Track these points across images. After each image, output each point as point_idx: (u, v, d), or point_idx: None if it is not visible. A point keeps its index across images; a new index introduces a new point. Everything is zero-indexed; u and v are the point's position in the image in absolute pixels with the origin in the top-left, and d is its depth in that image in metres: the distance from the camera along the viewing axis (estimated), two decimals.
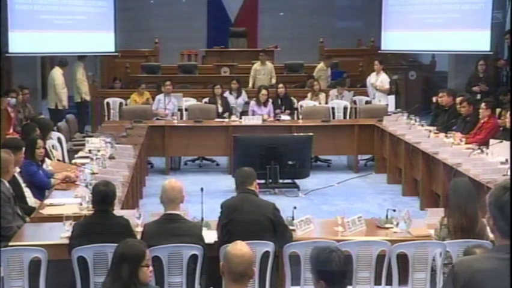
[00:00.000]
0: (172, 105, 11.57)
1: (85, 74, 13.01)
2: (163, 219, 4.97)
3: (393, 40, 14.10)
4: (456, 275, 2.55)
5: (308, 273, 4.86)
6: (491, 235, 4.87)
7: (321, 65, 13.97)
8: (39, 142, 6.96)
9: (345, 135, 10.74)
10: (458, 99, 9.77)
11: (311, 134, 9.77)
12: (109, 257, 4.73)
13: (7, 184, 5.73)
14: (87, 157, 7.92)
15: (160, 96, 11.65)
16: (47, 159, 7.47)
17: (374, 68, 12.53)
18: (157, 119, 11.32)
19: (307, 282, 4.90)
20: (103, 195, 4.94)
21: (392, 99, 12.21)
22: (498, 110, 9.52)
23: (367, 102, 12.39)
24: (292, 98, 12.13)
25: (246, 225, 5.05)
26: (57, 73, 12.49)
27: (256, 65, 13.55)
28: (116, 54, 14.17)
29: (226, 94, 12.07)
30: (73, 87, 12.91)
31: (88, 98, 12.97)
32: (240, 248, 3.53)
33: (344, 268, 3.29)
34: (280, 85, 12.00)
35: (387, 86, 12.25)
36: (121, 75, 14.44)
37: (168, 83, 11.66)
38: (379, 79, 12.31)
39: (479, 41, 12.85)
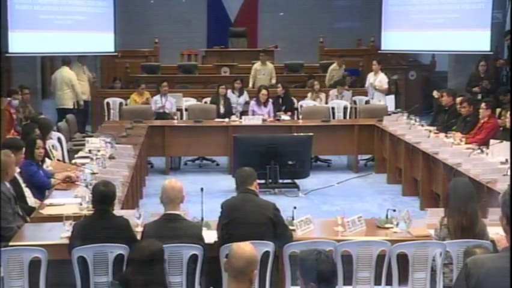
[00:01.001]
0: (169, 104, 11.62)
1: (82, 74, 12.95)
2: (163, 219, 4.97)
3: (393, 40, 14.11)
4: (469, 273, 2.57)
5: None
6: (491, 235, 4.91)
7: (334, 65, 13.96)
8: (39, 142, 6.96)
9: (345, 135, 10.74)
10: (458, 99, 9.78)
11: (311, 134, 9.77)
12: (109, 257, 4.75)
13: (7, 184, 5.73)
14: (87, 157, 7.93)
15: (157, 97, 11.73)
16: (47, 159, 7.47)
17: (372, 68, 12.56)
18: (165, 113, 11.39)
19: None
20: (102, 195, 4.94)
21: (391, 99, 12.22)
22: (498, 110, 9.52)
23: (367, 102, 12.40)
24: (292, 98, 12.13)
25: (246, 225, 5.05)
26: (70, 72, 12.47)
27: (257, 65, 13.57)
28: (116, 54, 14.18)
29: (229, 93, 12.10)
30: None
31: (84, 97, 12.91)
32: (243, 246, 3.54)
33: (333, 268, 3.29)
34: (278, 85, 12.00)
35: (385, 86, 12.28)
36: (121, 75, 14.45)
37: (165, 84, 11.73)
38: (377, 79, 12.35)
39: (479, 41, 12.85)
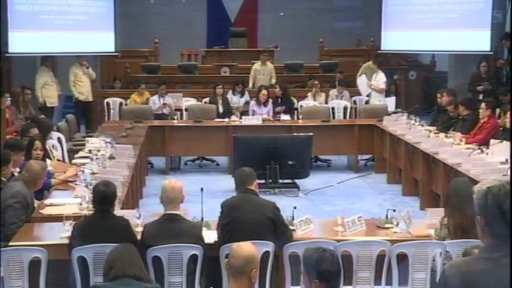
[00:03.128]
0: (168, 102, 11.69)
1: (80, 75, 12.92)
2: (163, 219, 4.97)
3: (393, 40, 14.11)
4: (447, 279, 2.56)
5: None
6: None
7: (368, 63, 13.93)
8: (37, 143, 6.94)
9: (345, 135, 10.74)
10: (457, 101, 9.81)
11: (311, 134, 9.77)
12: None
13: (32, 193, 5.78)
14: (87, 157, 7.93)
15: (155, 98, 11.78)
16: (47, 160, 7.46)
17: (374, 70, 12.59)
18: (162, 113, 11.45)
19: None
20: (103, 196, 4.95)
21: (392, 100, 12.21)
22: (498, 110, 9.52)
23: (367, 102, 12.41)
24: (292, 98, 12.13)
25: (246, 224, 5.06)
26: (40, 73, 12.50)
27: (257, 65, 13.55)
28: (116, 54, 14.16)
29: (230, 94, 12.12)
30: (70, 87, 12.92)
31: (81, 98, 12.89)
32: (243, 245, 3.57)
33: (337, 267, 3.30)
34: (276, 86, 11.98)
35: (381, 86, 12.26)
36: (121, 75, 14.43)
37: (163, 87, 11.83)
38: (376, 78, 12.36)
39: (479, 41, 12.85)
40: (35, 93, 12.14)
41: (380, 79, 12.30)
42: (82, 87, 12.90)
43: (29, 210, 5.67)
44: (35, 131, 7.41)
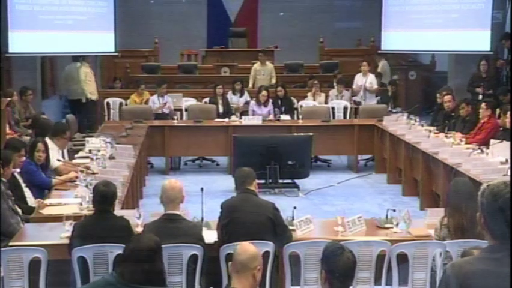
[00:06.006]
0: (168, 103, 11.69)
1: (90, 74, 12.95)
2: (163, 219, 4.97)
3: (393, 40, 14.10)
4: (448, 279, 2.56)
5: (308, 273, 4.87)
6: None
7: (383, 62, 13.97)
8: (39, 145, 6.93)
9: (345, 135, 10.74)
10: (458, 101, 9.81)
11: (311, 134, 9.77)
12: (109, 257, 4.75)
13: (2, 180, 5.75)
14: (87, 157, 7.93)
15: (155, 97, 11.78)
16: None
17: (361, 69, 12.59)
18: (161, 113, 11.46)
19: (307, 282, 4.91)
20: (103, 196, 4.95)
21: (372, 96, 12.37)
22: (498, 110, 9.52)
23: (359, 104, 12.43)
24: (292, 98, 12.13)
25: (246, 225, 5.06)
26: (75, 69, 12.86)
27: (256, 65, 13.56)
28: (116, 54, 14.15)
29: (230, 95, 12.11)
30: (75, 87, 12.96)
31: (93, 97, 12.88)
32: (247, 244, 3.64)
33: (345, 271, 3.30)
34: (279, 88, 11.97)
35: (376, 87, 12.30)
36: (121, 75, 14.44)
37: (164, 86, 11.81)
38: (368, 80, 12.39)
39: (479, 41, 12.84)
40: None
41: (373, 81, 12.41)
42: (91, 86, 12.92)
43: (5, 197, 5.63)
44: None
